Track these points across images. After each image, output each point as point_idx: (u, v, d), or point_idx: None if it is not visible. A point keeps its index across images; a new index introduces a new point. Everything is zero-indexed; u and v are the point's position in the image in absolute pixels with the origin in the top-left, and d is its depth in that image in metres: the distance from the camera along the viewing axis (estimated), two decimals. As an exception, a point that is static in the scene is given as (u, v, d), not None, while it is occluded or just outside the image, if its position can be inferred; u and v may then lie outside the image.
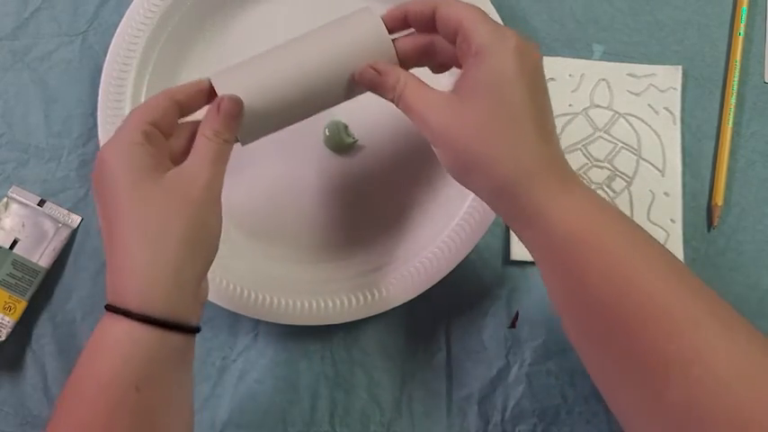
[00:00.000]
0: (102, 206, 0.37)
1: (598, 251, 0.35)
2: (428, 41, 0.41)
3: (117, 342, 0.35)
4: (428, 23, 0.40)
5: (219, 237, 0.38)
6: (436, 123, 0.38)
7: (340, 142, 0.51)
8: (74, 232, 0.51)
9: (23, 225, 0.50)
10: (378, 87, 0.41)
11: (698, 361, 0.32)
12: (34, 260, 0.50)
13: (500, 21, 0.50)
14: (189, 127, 0.40)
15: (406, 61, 0.42)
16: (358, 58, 0.40)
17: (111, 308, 0.35)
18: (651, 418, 0.33)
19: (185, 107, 0.40)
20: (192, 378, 0.39)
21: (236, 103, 0.39)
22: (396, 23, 0.41)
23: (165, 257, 0.35)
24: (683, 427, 0.32)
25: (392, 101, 0.40)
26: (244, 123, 0.40)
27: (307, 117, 0.42)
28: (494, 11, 0.50)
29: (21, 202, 0.50)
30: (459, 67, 0.40)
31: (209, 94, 0.40)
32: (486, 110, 0.36)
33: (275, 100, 0.40)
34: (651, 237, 0.36)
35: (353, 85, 0.41)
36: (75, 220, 0.51)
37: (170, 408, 0.37)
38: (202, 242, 0.37)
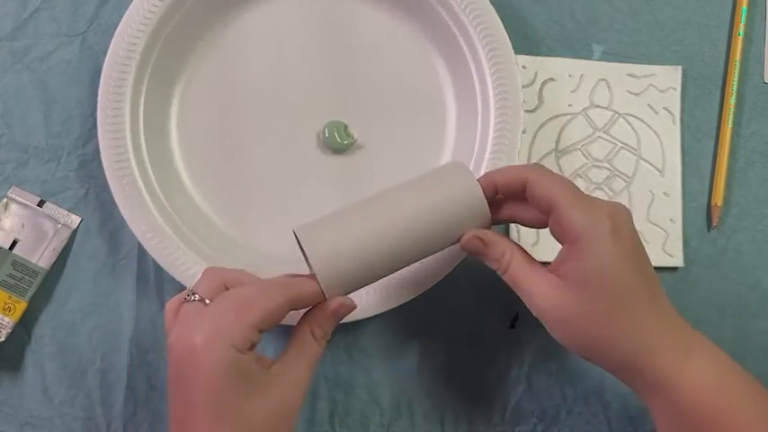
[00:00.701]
0: (185, 406, 0.35)
1: (729, 426, 0.36)
2: (513, 211, 0.42)
3: None
4: (518, 195, 0.41)
5: None
6: (546, 306, 0.38)
7: (339, 142, 0.51)
8: (74, 233, 0.51)
9: (23, 226, 0.50)
10: (482, 257, 0.41)
11: None
12: (34, 261, 0.50)
13: (499, 21, 0.50)
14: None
15: (495, 221, 0.42)
16: (454, 223, 0.40)
17: None
18: None
19: (292, 306, 0.38)
20: None
21: (351, 308, 0.40)
22: (486, 192, 0.41)
23: None
24: None
25: (496, 270, 0.41)
26: (340, 284, 0.39)
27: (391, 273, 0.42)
28: (493, 12, 0.50)
29: (20, 203, 0.50)
30: (545, 227, 0.40)
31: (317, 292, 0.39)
32: (597, 298, 0.37)
33: (372, 266, 0.40)
34: None
35: (444, 246, 0.41)
36: (75, 220, 0.51)
37: None
38: None
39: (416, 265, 0.49)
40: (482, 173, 0.50)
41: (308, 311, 0.40)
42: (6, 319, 0.49)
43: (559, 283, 0.38)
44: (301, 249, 0.41)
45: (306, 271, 0.42)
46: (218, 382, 0.34)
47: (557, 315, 0.38)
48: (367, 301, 0.48)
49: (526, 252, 0.41)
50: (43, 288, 0.50)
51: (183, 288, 0.50)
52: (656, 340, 0.37)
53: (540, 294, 0.39)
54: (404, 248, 0.40)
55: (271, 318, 0.37)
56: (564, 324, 0.38)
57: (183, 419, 0.35)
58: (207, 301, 0.38)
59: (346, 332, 0.51)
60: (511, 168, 0.42)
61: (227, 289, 0.39)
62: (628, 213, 0.39)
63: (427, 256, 0.42)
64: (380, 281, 0.48)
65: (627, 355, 0.37)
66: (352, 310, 0.40)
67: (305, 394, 0.38)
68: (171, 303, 0.39)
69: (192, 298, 0.38)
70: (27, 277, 0.49)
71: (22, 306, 0.49)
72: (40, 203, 0.51)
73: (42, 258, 0.50)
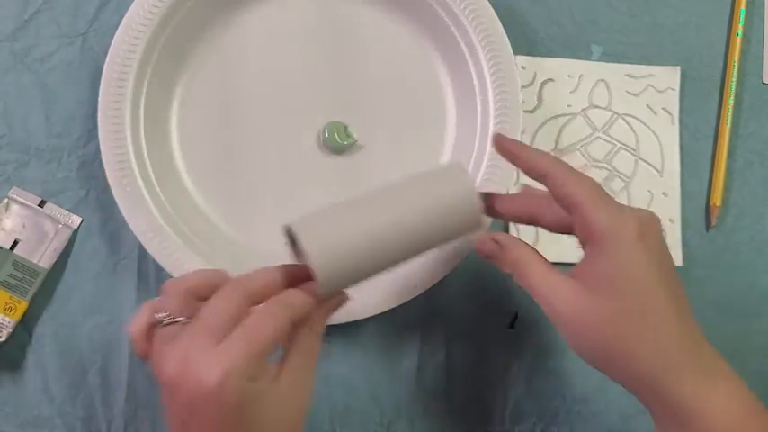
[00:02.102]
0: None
1: None
2: (532, 211, 0.40)
3: None
4: (538, 178, 0.39)
5: None
6: (565, 312, 0.36)
7: (339, 142, 0.51)
8: (74, 233, 0.51)
9: (24, 226, 0.50)
10: (496, 260, 0.40)
11: None
12: (35, 261, 0.50)
13: (499, 22, 0.50)
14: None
15: (509, 220, 0.41)
16: (449, 224, 0.39)
17: None
18: None
19: (293, 322, 0.36)
20: None
21: (346, 301, 0.39)
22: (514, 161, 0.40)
23: None
24: None
25: (511, 273, 0.39)
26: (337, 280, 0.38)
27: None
28: (492, 13, 0.50)
29: (21, 203, 0.51)
30: (570, 233, 0.39)
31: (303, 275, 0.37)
32: (619, 304, 0.35)
33: (367, 263, 0.39)
34: None
35: (435, 245, 0.40)
36: (76, 221, 0.51)
37: None
38: None
39: (416, 265, 0.49)
40: (481, 174, 0.50)
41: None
42: (7, 319, 0.49)
43: (579, 286, 0.36)
44: (291, 243, 0.40)
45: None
46: (238, 415, 0.33)
47: (574, 320, 0.36)
48: (367, 302, 0.48)
49: (542, 255, 0.39)
50: (44, 288, 0.50)
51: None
52: (680, 361, 0.35)
53: (556, 298, 0.36)
54: (399, 247, 0.39)
55: (277, 341, 0.35)
56: (582, 330, 0.36)
57: None
58: (183, 320, 0.36)
59: (346, 332, 0.51)
60: (530, 154, 0.39)
61: (200, 298, 0.37)
62: (658, 222, 0.37)
63: (420, 253, 0.41)
64: (380, 281, 0.49)
65: (648, 370, 0.35)
66: (346, 303, 0.39)
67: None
68: (136, 327, 0.36)
69: (167, 320, 0.36)
70: (28, 277, 0.49)
71: (23, 306, 0.49)
72: (41, 204, 0.51)
73: (43, 259, 0.50)
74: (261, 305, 0.36)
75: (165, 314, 0.36)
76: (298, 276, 0.38)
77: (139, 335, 0.36)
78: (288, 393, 0.35)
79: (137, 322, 0.36)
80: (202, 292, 0.37)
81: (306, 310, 0.37)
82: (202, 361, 0.33)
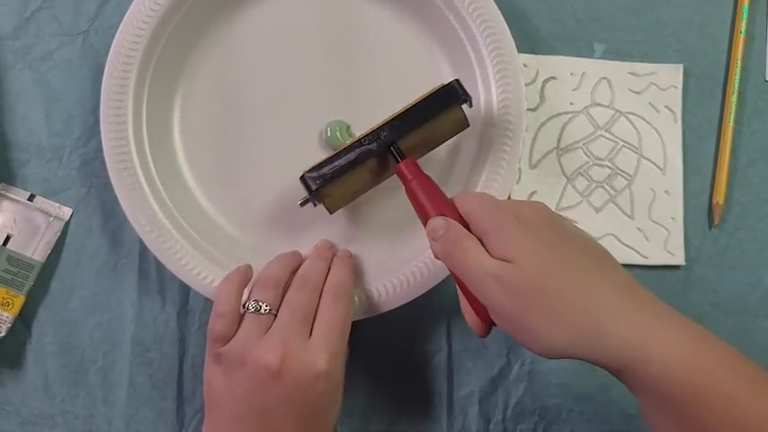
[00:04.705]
0: (288, 420, 0.41)
1: (717, 397, 0.34)
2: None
3: None
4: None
5: None
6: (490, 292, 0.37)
7: (341, 141, 0.51)
8: (66, 225, 0.51)
9: (15, 221, 0.50)
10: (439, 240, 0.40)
11: None
12: (28, 254, 0.50)
13: (502, 18, 0.50)
14: None
15: None
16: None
17: None
18: None
19: None
20: None
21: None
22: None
23: None
24: None
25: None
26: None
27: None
28: (497, 11, 0.50)
29: (11, 199, 0.51)
30: None
31: None
32: (525, 274, 0.36)
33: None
34: (758, 366, 0.35)
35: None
36: (67, 212, 0.51)
37: None
38: None
39: (419, 265, 0.49)
40: (485, 173, 0.50)
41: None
42: (5, 314, 0.49)
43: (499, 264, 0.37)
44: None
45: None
46: (336, 385, 0.43)
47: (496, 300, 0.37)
48: (368, 302, 0.48)
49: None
50: (41, 282, 0.50)
51: (184, 286, 0.50)
52: (610, 310, 0.35)
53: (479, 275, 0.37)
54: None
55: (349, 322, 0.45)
56: (511, 327, 0.37)
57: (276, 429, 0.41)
58: (267, 309, 0.43)
59: (348, 331, 0.51)
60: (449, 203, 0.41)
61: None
62: (538, 205, 0.39)
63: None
64: (381, 282, 0.49)
65: (587, 325, 0.35)
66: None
67: None
68: (231, 308, 0.43)
69: (264, 310, 0.43)
70: (23, 271, 0.49)
71: (20, 300, 0.49)
72: (31, 198, 0.51)
73: (37, 252, 0.50)
74: (329, 296, 0.44)
75: (262, 304, 0.43)
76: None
77: (229, 314, 0.43)
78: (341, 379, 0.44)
79: (223, 323, 0.43)
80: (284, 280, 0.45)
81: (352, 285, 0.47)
82: (308, 349, 0.41)
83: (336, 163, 0.44)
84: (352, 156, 0.44)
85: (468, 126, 0.47)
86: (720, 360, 0.35)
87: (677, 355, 0.34)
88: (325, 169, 0.44)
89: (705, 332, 0.36)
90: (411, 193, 0.43)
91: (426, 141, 0.47)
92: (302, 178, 0.45)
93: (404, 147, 0.44)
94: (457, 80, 0.45)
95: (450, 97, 0.45)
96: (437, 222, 0.40)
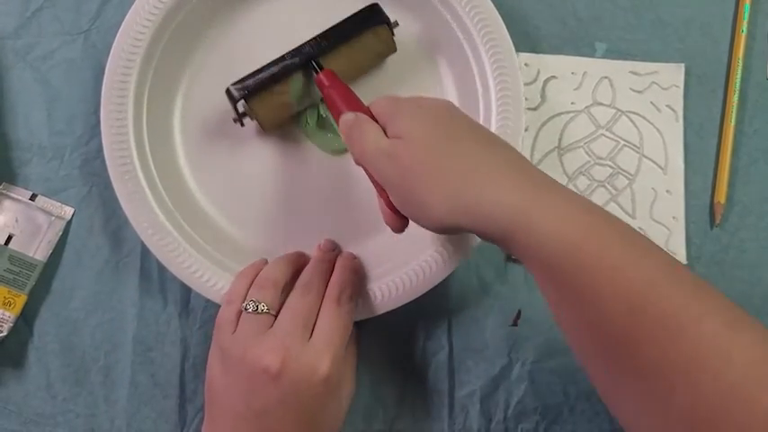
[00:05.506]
0: (289, 420, 0.41)
1: (599, 264, 0.32)
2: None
3: None
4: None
5: None
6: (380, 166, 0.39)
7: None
8: (68, 224, 0.51)
9: (17, 220, 0.50)
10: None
11: (701, 361, 0.30)
12: (30, 254, 0.50)
13: (501, 20, 0.50)
14: None
15: None
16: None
17: None
18: (659, 425, 0.32)
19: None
20: None
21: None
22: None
23: None
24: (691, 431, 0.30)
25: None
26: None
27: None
28: (495, 11, 0.50)
29: (12, 198, 0.51)
30: None
31: None
32: (413, 152, 0.38)
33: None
34: (645, 237, 0.34)
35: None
36: (68, 211, 0.51)
37: None
38: None
39: (421, 264, 0.49)
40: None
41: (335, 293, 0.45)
42: (7, 313, 0.49)
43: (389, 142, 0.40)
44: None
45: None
46: (337, 387, 0.42)
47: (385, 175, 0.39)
48: (369, 302, 0.48)
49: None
50: (42, 281, 0.50)
51: (185, 286, 0.50)
52: (498, 180, 0.35)
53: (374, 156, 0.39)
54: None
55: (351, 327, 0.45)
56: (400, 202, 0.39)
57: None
58: (267, 311, 0.43)
59: (349, 330, 0.51)
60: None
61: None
62: (441, 99, 0.41)
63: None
64: (382, 282, 0.49)
65: (468, 193, 0.36)
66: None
67: None
68: (231, 313, 0.44)
69: (262, 309, 0.43)
70: (25, 271, 0.50)
71: (21, 299, 0.49)
72: (33, 197, 0.51)
73: (39, 251, 0.50)
74: (331, 299, 0.44)
75: (260, 303, 0.43)
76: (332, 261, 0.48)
77: (227, 316, 0.43)
78: (347, 380, 0.45)
79: (231, 309, 0.43)
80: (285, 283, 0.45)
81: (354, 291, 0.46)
82: (308, 352, 0.41)
83: (260, 76, 0.47)
84: (275, 69, 0.47)
85: (395, 50, 0.50)
86: (604, 229, 0.33)
87: (558, 222, 0.33)
88: (249, 81, 0.46)
89: (589, 202, 0.35)
90: (329, 100, 0.45)
91: (352, 61, 0.49)
92: (227, 90, 0.47)
93: (331, 66, 0.47)
94: (376, 3, 0.48)
95: (370, 17, 0.48)
96: (347, 116, 0.42)
